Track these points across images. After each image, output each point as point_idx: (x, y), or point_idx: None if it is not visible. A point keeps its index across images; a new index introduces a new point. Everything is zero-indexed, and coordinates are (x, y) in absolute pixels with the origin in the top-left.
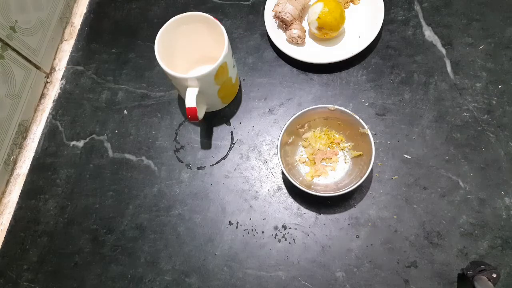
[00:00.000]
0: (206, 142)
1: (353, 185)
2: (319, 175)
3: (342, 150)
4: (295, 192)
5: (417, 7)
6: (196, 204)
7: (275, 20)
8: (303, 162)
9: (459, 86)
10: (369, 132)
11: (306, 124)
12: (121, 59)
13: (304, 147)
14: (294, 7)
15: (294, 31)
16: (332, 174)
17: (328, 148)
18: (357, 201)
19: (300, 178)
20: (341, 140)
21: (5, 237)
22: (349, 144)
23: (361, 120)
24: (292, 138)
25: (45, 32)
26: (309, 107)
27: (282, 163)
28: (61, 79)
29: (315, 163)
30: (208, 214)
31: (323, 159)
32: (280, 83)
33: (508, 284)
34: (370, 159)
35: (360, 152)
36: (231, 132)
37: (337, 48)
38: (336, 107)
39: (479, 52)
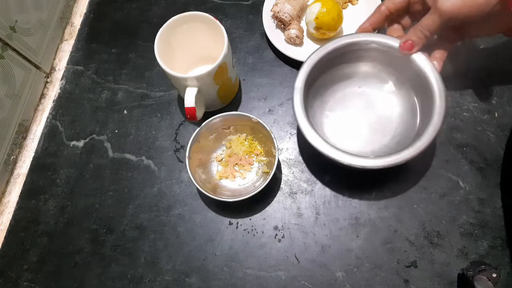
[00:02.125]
0: None
1: (236, 198)
2: (226, 177)
3: (258, 162)
4: (294, 191)
5: None
6: (196, 204)
7: (274, 20)
8: (219, 161)
9: (459, 85)
10: (276, 155)
11: (232, 127)
12: (121, 59)
13: (226, 147)
14: (292, 7)
15: (292, 31)
16: (239, 181)
17: (247, 156)
18: (357, 201)
19: (204, 176)
20: (261, 153)
21: (5, 237)
22: (265, 159)
23: (275, 141)
24: (214, 135)
25: (45, 32)
26: (235, 112)
27: (189, 156)
28: (61, 79)
29: (228, 165)
30: (208, 214)
31: (236, 164)
32: (280, 83)
33: (508, 284)
34: (266, 178)
35: (268, 170)
36: None
37: None
38: (258, 120)
39: (479, 52)
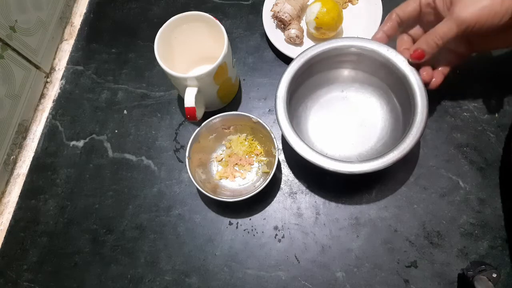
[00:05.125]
0: None
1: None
2: (226, 177)
3: (258, 162)
4: (294, 191)
5: None
6: (196, 204)
7: (274, 20)
8: (219, 161)
9: (459, 85)
10: (276, 155)
11: (232, 127)
12: (121, 59)
13: (226, 147)
14: (292, 7)
15: (292, 31)
16: (239, 181)
17: (247, 156)
18: (357, 201)
19: (204, 176)
20: (261, 153)
21: (5, 237)
22: (265, 159)
23: (275, 141)
24: (214, 135)
25: (45, 32)
26: (235, 112)
27: (189, 156)
28: (61, 79)
29: (228, 165)
30: (208, 214)
31: (236, 164)
32: None
33: (508, 284)
34: (266, 178)
35: (268, 170)
36: None
37: None
38: (258, 120)
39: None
